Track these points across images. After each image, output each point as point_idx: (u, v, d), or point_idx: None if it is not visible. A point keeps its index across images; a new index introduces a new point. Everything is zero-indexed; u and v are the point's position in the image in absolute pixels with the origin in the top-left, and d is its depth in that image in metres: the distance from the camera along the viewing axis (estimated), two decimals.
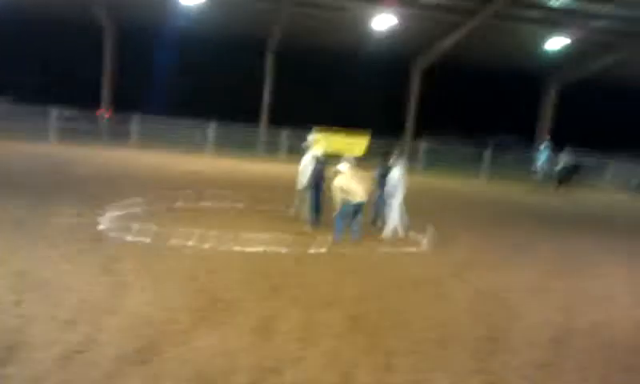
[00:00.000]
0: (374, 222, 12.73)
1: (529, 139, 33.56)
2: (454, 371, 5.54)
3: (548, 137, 28.93)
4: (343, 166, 11.46)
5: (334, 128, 28.02)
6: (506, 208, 18.87)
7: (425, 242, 11.78)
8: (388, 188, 12.09)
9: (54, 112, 26.01)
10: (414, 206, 13.45)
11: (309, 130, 26.61)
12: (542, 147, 27.95)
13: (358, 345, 5.97)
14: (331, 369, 5.32)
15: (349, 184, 11.04)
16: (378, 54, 31.52)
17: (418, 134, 32.46)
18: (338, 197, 10.99)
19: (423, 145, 30.17)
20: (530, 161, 28.80)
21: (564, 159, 26.12)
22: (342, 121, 29.64)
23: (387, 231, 11.90)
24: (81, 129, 26.30)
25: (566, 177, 25.43)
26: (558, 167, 26.10)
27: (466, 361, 5.81)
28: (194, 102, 32.38)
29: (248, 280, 8.02)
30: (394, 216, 11.96)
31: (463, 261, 10.41)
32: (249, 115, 31.04)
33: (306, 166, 12.56)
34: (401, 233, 11.89)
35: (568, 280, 9.80)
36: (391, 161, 12.49)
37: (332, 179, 11.32)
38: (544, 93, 34.20)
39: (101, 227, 10.36)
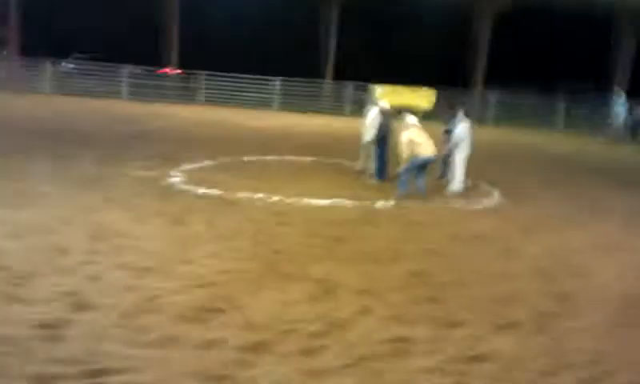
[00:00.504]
0: (441, 177, 12.60)
1: (606, 89, 31.98)
2: (518, 329, 5.50)
3: (620, 88, 27.45)
4: (412, 119, 11.33)
5: (398, 84, 27.66)
6: (580, 164, 18.23)
7: (493, 198, 11.59)
8: (453, 142, 11.91)
9: (126, 70, 26.78)
10: (483, 161, 13.22)
11: (374, 84, 26.44)
12: (615, 98, 26.64)
13: (420, 300, 5.99)
14: (395, 323, 5.39)
15: (418, 137, 10.90)
16: (443, 2, 30.63)
17: (487, 84, 31.52)
18: (406, 151, 10.88)
19: (493, 96, 29.33)
20: (606, 112, 27.55)
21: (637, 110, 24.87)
22: (406, 74, 29.17)
23: (453, 186, 11.77)
24: (150, 86, 27.02)
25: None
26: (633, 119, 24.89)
27: (531, 320, 5.75)
28: (259, 58, 32.55)
29: (314, 232, 8.13)
30: (460, 171, 11.79)
31: (533, 218, 10.17)
32: (313, 70, 30.96)
33: (372, 120, 12.50)
34: (463, 187, 11.74)
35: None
36: (457, 114, 12.23)
37: (399, 132, 11.22)
38: (621, 38, 32.21)
39: (173, 180, 10.72)
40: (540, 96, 28.54)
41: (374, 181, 12.10)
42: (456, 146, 11.82)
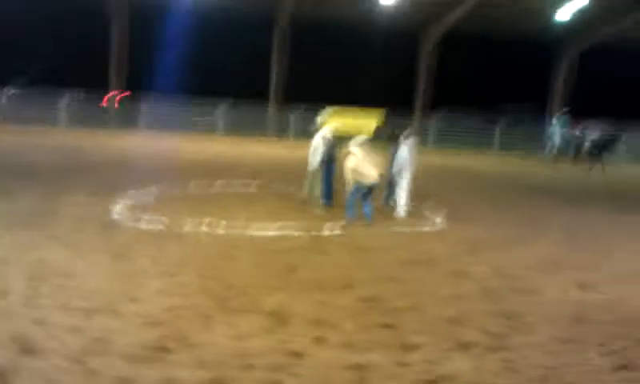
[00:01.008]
0: (387, 202, 12.77)
1: (542, 111, 33.25)
2: (472, 350, 5.60)
3: (564, 109, 28.57)
4: (354, 147, 11.46)
5: (345, 107, 28.00)
6: (520, 184, 18.82)
7: (439, 220, 11.82)
8: (397, 166, 12.13)
9: (65, 97, 26.17)
10: (426, 184, 13.48)
11: (319, 110, 26.64)
12: (554, 121, 27.67)
13: (374, 326, 6.03)
14: (350, 351, 5.39)
15: (361, 165, 11.05)
16: (388, 27, 31.26)
17: (429, 109, 32.27)
18: (350, 178, 11.02)
19: (434, 121, 30.06)
20: (543, 134, 28.57)
21: (591, 135, 25.67)
22: (353, 98, 29.57)
23: (399, 210, 11.96)
24: (90, 114, 26.45)
25: (596, 154, 24.72)
26: (587, 143, 25.64)
27: (484, 339, 5.87)
28: (202, 83, 32.27)
29: (263, 263, 8.09)
30: (404, 195, 12.01)
31: (478, 238, 10.44)
32: (259, 95, 30.93)
33: (316, 147, 12.58)
34: (405, 212, 11.94)
35: (585, 256, 9.81)
36: (400, 138, 12.47)
37: (343, 160, 11.34)
38: (558, 61, 33.68)
39: (116, 213, 10.48)
40: (481, 119, 29.41)
41: (320, 208, 12.13)
42: (399, 170, 12.04)
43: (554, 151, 26.61)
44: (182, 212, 10.91)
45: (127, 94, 28.83)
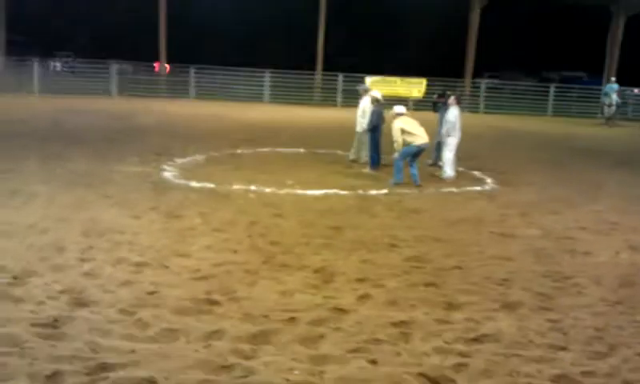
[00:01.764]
0: (433, 164, 12.65)
1: (597, 76, 32.10)
2: (518, 310, 5.50)
3: (614, 78, 27.51)
4: (401, 108, 11.30)
5: (386, 77, 27.65)
6: (573, 146, 18.29)
7: (488, 181, 11.62)
8: (446, 126, 11.92)
9: (114, 67, 26.63)
10: (477, 146, 13.23)
11: (364, 75, 26.43)
12: (606, 87, 26.82)
13: (419, 285, 5.99)
14: (394, 308, 5.38)
15: (410, 126, 10.91)
16: None
17: (478, 73, 31.57)
18: (399, 139, 10.87)
19: (484, 84, 29.41)
20: (598, 98, 27.72)
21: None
22: (397, 65, 29.18)
23: (446, 172, 11.78)
24: (141, 82, 26.90)
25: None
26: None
27: (531, 299, 5.75)
28: (249, 52, 32.38)
29: (310, 222, 8.10)
30: (452, 156, 11.81)
31: (528, 201, 10.19)
32: (305, 62, 30.87)
33: (364, 109, 12.51)
34: (453, 173, 11.76)
35: (638, 218, 9.48)
36: (448, 101, 12.24)
37: (391, 121, 11.21)
38: (612, 24, 32.25)
39: (166, 175, 10.67)
40: (531, 82, 28.70)
41: (367, 169, 12.09)
42: (447, 132, 11.84)
43: (611, 113, 25.83)
44: (230, 174, 11.02)
45: (167, 68, 29.12)
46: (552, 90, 29.11)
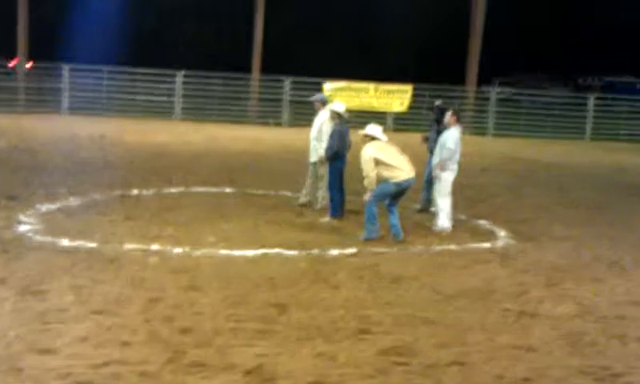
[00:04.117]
0: (424, 209, 12.75)
1: None
2: None
3: None
4: (375, 128, 11.34)
5: (356, 83, 27.96)
6: (622, 185, 18.72)
7: (499, 236, 11.74)
8: (440, 156, 11.98)
9: None
10: (485, 183, 13.41)
11: (322, 80, 26.69)
12: None
13: None
14: None
15: (387, 154, 10.96)
16: None
17: (485, 78, 32.20)
18: (371, 173, 10.89)
19: (493, 94, 30.00)
20: None
21: None
22: (370, 67, 29.57)
23: (442, 220, 11.86)
24: None
25: None
26: None
27: None
28: (153, 45, 32.46)
29: (240, 298, 8.01)
30: (448, 198, 11.90)
31: (558, 263, 10.34)
32: (235, 60, 31.06)
33: (321, 129, 12.56)
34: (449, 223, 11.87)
35: None
36: (446, 119, 12.34)
37: (360, 148, 11.25)
38: None
39: (23, 229, 10.46)
40: (559, 92, 29.33)
41: (326, 218, 12.10)
42: (443, 163, 11.94)
43: None
44: (121, 226, 10.89)
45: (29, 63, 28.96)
46: (591, 102, 29.87)
